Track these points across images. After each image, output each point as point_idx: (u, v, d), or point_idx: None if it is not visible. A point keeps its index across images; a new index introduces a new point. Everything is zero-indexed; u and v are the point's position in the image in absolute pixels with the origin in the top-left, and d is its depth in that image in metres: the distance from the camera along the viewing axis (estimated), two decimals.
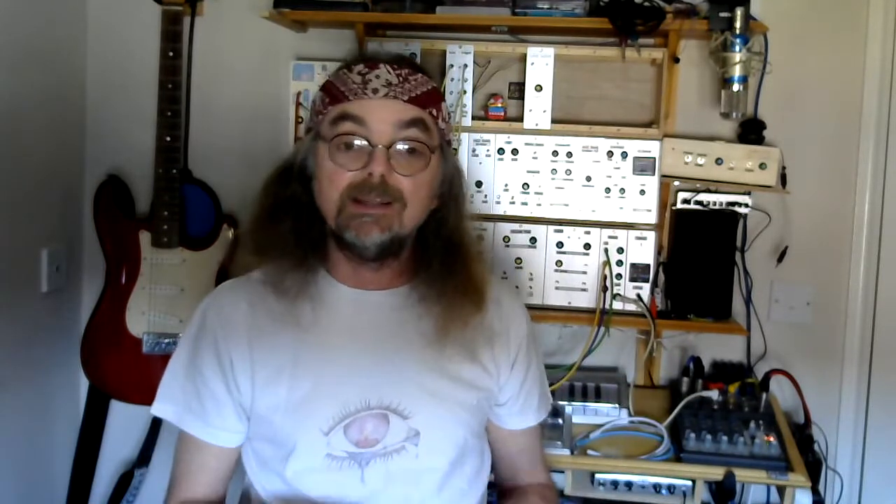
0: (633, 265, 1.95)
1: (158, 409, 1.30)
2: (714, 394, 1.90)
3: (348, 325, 1.28)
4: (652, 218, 1.95)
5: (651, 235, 1.95)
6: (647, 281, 1.95)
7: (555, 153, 1.96)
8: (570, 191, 1.97)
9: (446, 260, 1.28)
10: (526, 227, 1.97)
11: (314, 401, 1.24)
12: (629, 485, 1.78)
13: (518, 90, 2.04)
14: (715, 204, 2.00)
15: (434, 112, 1.26)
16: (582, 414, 1.88)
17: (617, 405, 1.89)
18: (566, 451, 1.74)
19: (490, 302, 1.33)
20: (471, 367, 1.31)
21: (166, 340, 2.07)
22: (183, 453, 1.31)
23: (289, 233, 1.26)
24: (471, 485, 1.33)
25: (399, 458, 1.25)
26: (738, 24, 1.87)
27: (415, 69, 1.26)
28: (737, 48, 1.89)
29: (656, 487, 1.78)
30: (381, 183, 1.19)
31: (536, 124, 1.97)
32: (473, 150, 1.97)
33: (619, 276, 1.95)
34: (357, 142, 1.20)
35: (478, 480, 1.36)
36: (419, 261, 1.30)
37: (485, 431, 1.40)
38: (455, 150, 1.95)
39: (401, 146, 1.21)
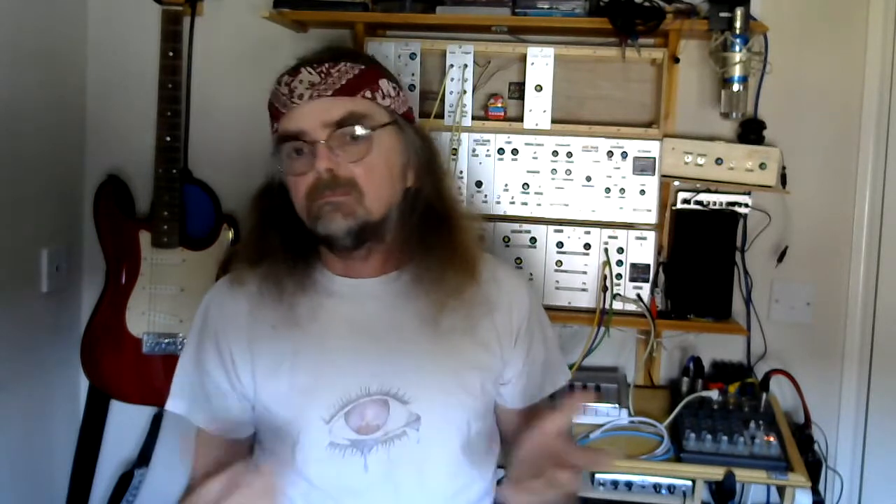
0: (633, 265, 1.95)
1: (171, 404, 1.34)
2: (714, 394, 1.90)
3: (345, 316, 1.29)
4: (652, 218, 1.95)
5: (651, 235, 1.95)
6: (647, 281, 1.95)
7: (555, 153, 1.96)
8: (570, 191, 1.97)
9: (431, 235, 1.28)
10: (526, 227, 1.97)
11: (315, 390, 1.25)
12: (629, 485, 1.78)
13: (518, 90, 2.04)
14: (715, 204, 2.00)
15: (368, 93, 1.24)
16: (582, 414, 1.88)
17: (617, 405, 1.89)
18: None
19: (486, 275, 1.32)
20: (472, 345, 1.31)
21: (166, 340, 2.07)
22: (198, 448, 1.34)
23: (279, 244, 1.28)
24: (478, 469, 1.33)
25: (400, 444, 1.25)
26: (738, 24, 1.87)
27: (337, 59, 1.25)
28: (737, 48, 1.89)
29: (656, 487, 1.78)
30: (332, 178, 1.20)
31: (536, 124, 1.97)
32: (473, 150, 1.97)
33: (619, 276, 1.95)
34: (302, 147, 1.22)
35: (485, 465, 1.36)
36: (407, 242, 1.30)
37: (493, 414, 1.40)
38: (454, 149, 1.95)
39: (339, 136, 1.21)
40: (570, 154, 1.96)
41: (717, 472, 1.70)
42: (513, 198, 1.98)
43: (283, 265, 1.26)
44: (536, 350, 1.39)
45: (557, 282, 1.96)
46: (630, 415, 1.88)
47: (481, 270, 1.31)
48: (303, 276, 1.27)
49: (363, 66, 1.26)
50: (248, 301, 1.30)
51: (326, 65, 1.23)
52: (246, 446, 1.35)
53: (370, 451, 1.25)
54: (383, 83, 1.27)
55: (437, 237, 1.28)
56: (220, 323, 1.31)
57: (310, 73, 1.23)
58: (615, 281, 1.94)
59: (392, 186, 1.26)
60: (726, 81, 1.93)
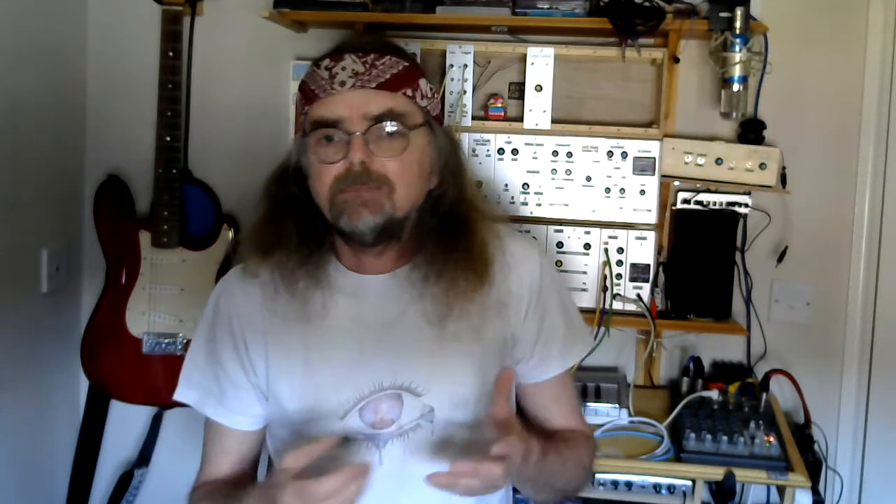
0: (633, 265, 1.95)
1: (180, 394, 1.33)
2: (714, 394, 1.90)
3: (357, 312, 1.29)
4: (652, 218, 1.95)
5: (651, 235, 1.95)
6: (647, 281, 1.95)
7: (555, 153, 1.96)
8: (570, 191, 1.97)
9: (446, 237, 1.27)
10: (526, 227, 1.97)
11: (328, 387, 1.25)
12: (629, 485, 1.78)
13: (518, 90, 2.04)
14: (715, 204, 2.01)
15: (409, 92, 1.24)
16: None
17: (617, 405, 1.89)
18: None
19: (498, 272, 1.30)
20: (481, 332, 1.29)
21: (166, 340, 2.07)
22: (208, 437, 1.34)
23: (292, 232, 1.26)
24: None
25: (415, 437, 1.25)
26: (738, 24, 1.87)
27: (383, 52, 1.24)
28: (737, 48, 1.89)
29: (656, 487, 1.78)
30: (364, 170, 1.19)
31: (536, 124, 1.97)
32: (473, 150, 1.97)
33: (619, 276, 1.95)
34: (335, 135, 1.20)
35: None
36: (422, 242, 1.30)
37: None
38: None
39: (377, 130, 1.20)
40: (570, 154, 1.96)
41: (717, 472, 1.70)
42: (513, 198, 1.98)
43: (295, 256, 1.25)
44: (552, 323, 1.36)
45: None
46: (630, 415, 1.88)
47: (493, 247, 1.29)
48: (315, 269, 1.26)
49: (407, 63, 1.25)
50: (262, 292, 1.29)
51: (372, 55, 1.22)
52: (256, 436, 1.34)
53: (385, 445, 1.25)
54: (422, 83, 1.27)
55: (454, 239, 1.27)
56: (234, 312, 1.30)
57: (354, 60, 1.21)
58: (615, 281, 1.94)
59: (420, 186, 1.26)
60: (726, 81, 1.93)
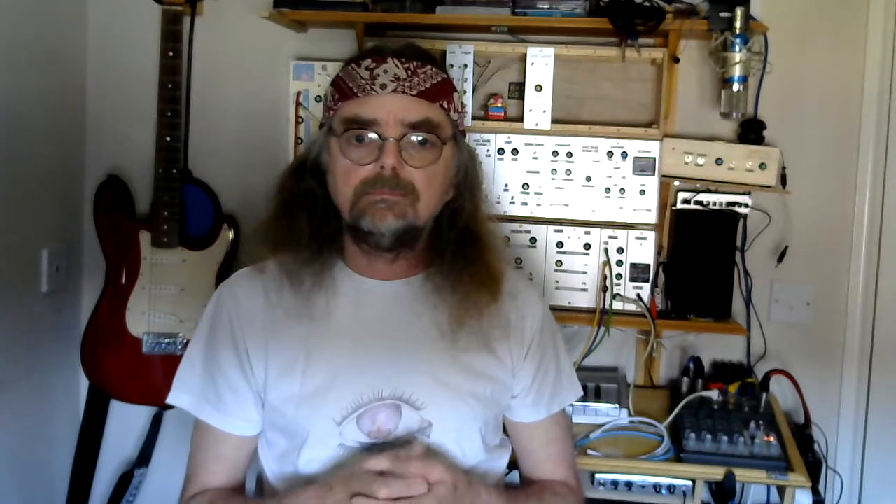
0: (633, 265, 1.95)
1: (175, 398, 1.31)
2: (714, 394, 1.90)
3: (362, 316, 1.28)
4: (652, 218, 1.95)
5: (651, 235, 1.95)
6: (647, 281, 1.95)
7: (555, 153, 1.96)
8: (570, 191, 1.97)
9: (461, 250, 1.28)
10: (526, 227, 1.97)
11: (327, 392, 1.25)
12: (629, 485, 1.78)
13: (518, 90, 2.04)
14: (715, 204, 2.01)
15: (445, 104, 1.25)
16: (582, 414, 1.88)
17: (617, 405, 1.89)
18: None
19: (506, 294, 1.32)
20: (485, 357, 1.30)
21: (166, 340, 2.07)
22: (200, 443, 1.31)
23: (304, 227, 1.26)
24: (486, 476, 1.32)
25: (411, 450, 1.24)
26: (738, 24, 1.87)
27: (424, 61, 1.25)
28: (737, 48, 1.89)
29: (656, 487, 1.78)
30: (393, 176, 1.19)
31: (536, 124, 1.97)
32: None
33: (619, 276, 1.95)
34: (368, 135, 1.20)
35: (492, 472, 1.35)
36: (434, 251, 1.30)
37: (502, 425, 1.39)
38: None
39: (411, 138, 1.21)
40: (570, 154, 1.96)
41: (717, 472, 1.70)
42: (513, 198, 1.98)
43: (303, 255, 1.25)
44: (547, 366, 1.38)
45: (557, 282, 1.96)
46: (630, 415, 1.88)
47: (502, 286, 1.31)
48: (322, 271, 1.26)
49: (444, 76, 1.27)
50: (266, 286, 1.29)
51: (414, 63, 1.23)
52: (251, 442, 1.32)
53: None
54: (456, 98, 1.29)
55: (467, 254, 1.28)
56: (236, 313, 1.29)
57: (397, 65, 1.22)
58: (615, 281, 1.94)
59: (440, 198, 1.27)
60: (726, 81, 1.93)
